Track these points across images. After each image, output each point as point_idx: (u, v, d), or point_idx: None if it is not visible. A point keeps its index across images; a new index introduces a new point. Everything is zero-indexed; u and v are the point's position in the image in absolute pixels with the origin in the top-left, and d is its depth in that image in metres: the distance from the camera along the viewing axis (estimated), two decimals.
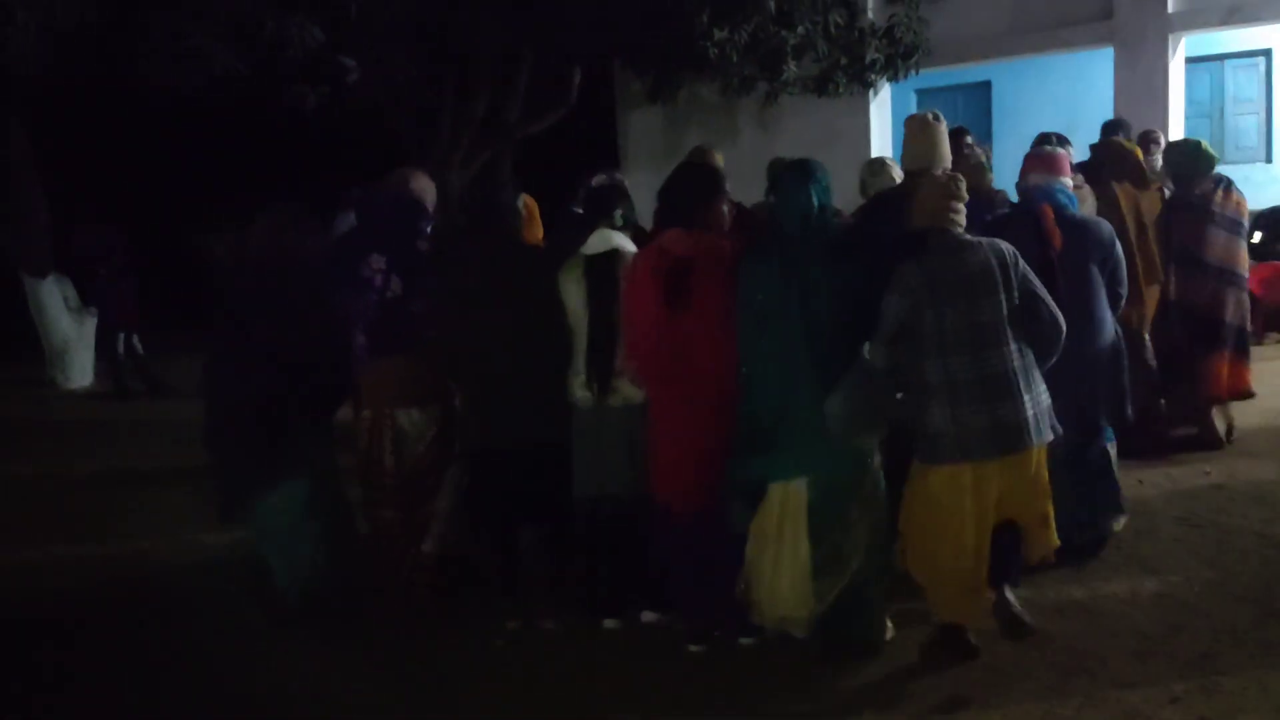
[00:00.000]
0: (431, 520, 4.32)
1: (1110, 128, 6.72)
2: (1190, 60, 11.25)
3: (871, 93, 11.22)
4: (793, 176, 3.73)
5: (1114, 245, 4.46)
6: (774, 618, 3.66)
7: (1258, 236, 9.22)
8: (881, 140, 11.60)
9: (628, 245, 4.05)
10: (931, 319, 3.46)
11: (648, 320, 3.76)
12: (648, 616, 4.11)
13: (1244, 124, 12.21)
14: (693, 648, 3.84)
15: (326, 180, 12.71)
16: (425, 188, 4.55)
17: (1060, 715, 3.26)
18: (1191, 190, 5.89)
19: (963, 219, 3.58)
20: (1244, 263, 5.98)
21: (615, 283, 3.94)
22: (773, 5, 8.98)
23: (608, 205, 4.19)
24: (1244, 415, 6.46)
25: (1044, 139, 5.46)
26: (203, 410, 4.32)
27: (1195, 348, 5.86)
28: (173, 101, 8.54)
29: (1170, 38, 10.35)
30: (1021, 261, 3.53)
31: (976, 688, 3.46)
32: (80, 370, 10.80)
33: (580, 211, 4.85)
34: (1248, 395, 6.04)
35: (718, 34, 8.91)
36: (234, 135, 13.90)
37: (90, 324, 10.74)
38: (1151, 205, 5.82)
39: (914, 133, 4.33)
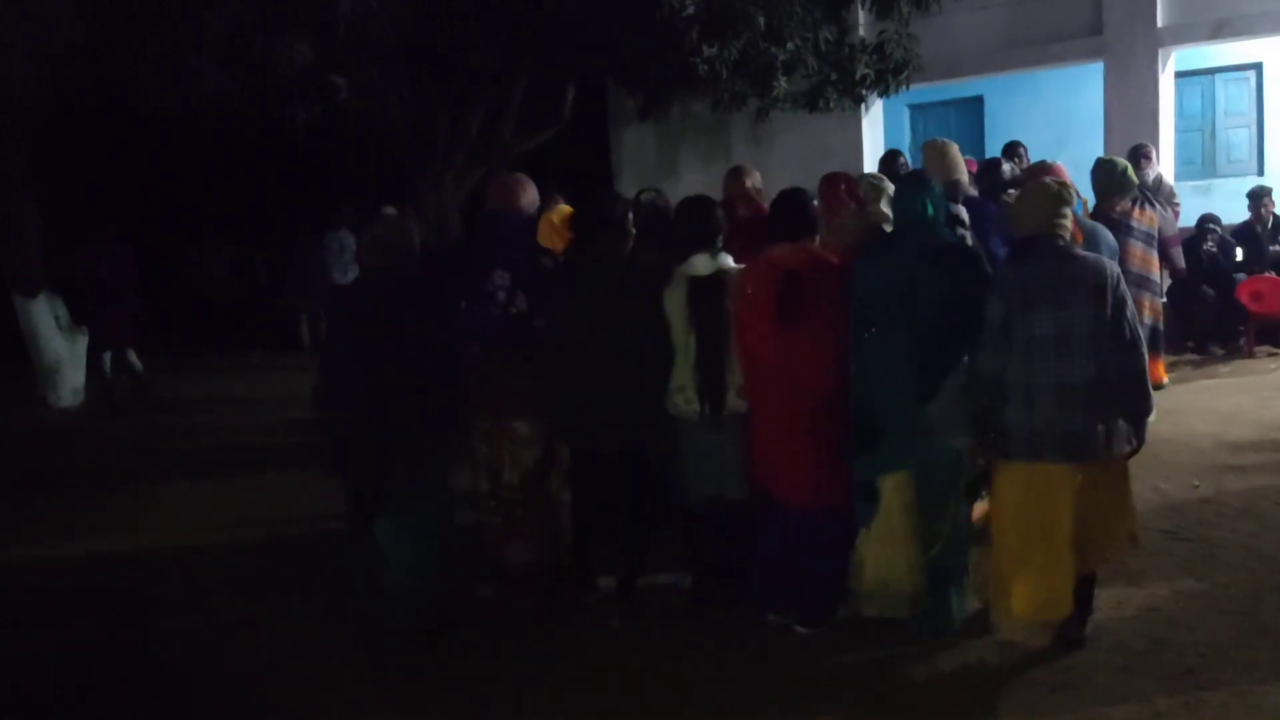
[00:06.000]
0: (530, 532, 4.34)
1: (1008, 149, 7.25)
2: (1181, 74, 11.29)
3: (863, 108, 11.24)
4: (909, 184, 3.99)
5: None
6: (881, 603, 3.86)
7: (1240, 254, 9.15)
8: (874, 155, 11.61)
9: (730, 264, 4.15)
10: (1020, 324, 3.58)
11: (762, 333, 3.93)
12: (665, 579, 4.45)
13: (1235, 137, 12.23)
14: (800, 629, 4.02)
15: (322, 197, 12.87)
16: (534, 199, 4.48)
17: None
18: (1113, 207, 6.39)
19: (1069, 227, 3.70)
20: (1157, 270, 6.64)
21: (721, 303, 4.07)
22: (762, 22, 8.99)
23: (708, 236, 4.20)
24: (1233, 429, 6.47)
25: (994, 163, 5.83)
26: (321, 424, 4.22)
27: None
28: (166, 121, 8.56)
29: (1160, 52, 10.41)
30: (1122, 284, 3.60)
31: (961, 703, 3.45)
32: (71, 389, 10.78)
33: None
34: (1159, 386, 6.54)
35: (707, 51, 8.91)
36: (228, 154, 13.92)
37: (82, 343, 10.71)
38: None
39: (933, 157, 4.96)
